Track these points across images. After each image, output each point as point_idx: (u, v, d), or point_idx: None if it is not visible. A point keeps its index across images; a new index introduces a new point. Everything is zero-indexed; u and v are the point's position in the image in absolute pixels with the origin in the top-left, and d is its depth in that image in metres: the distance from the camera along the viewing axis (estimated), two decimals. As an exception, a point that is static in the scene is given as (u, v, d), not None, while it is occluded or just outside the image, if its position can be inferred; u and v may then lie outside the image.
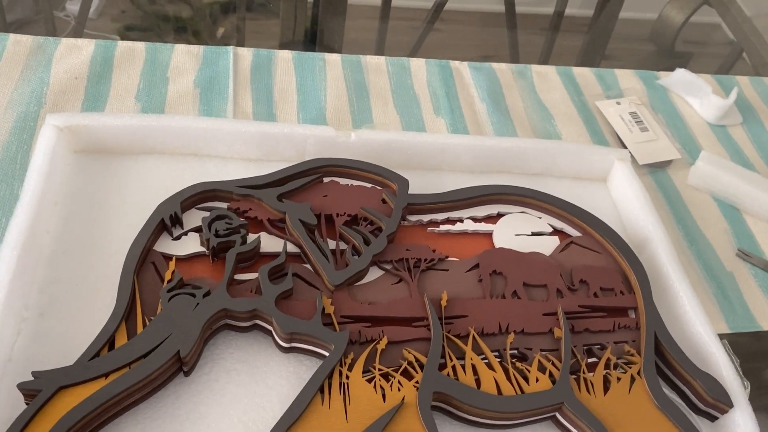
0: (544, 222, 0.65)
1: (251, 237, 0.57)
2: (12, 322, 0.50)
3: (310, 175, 0.62)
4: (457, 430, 0.52)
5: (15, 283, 0.51)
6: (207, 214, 0.57)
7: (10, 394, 0.46)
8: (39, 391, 0.45)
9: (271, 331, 0.54)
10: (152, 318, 0.51)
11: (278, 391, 0.51)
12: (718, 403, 0.54)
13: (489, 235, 0.64)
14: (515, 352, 0.55)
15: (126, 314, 0.50)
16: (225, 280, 0.53)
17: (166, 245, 0.56)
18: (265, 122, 0.65)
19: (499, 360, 0.54)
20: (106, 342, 0.48)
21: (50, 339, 0.51)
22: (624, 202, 0.70)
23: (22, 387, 0.45)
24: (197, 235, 0.57)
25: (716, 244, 0.72)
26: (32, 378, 0.46)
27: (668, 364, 0.57)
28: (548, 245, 0.63)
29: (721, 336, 0.63)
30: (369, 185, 0.63)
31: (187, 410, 0.50)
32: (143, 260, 0.54)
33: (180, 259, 0.55)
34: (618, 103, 0.84)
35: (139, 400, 0.49)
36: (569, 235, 0.65)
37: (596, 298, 0.59)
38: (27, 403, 0.45)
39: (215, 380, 0.52)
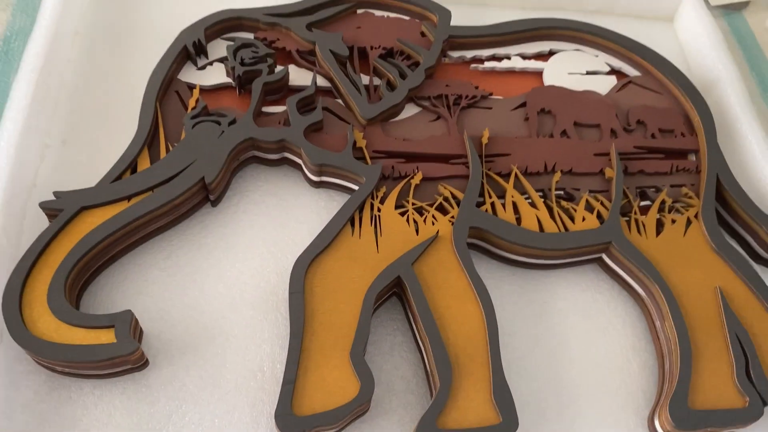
0: (601, 60, 0.59)
1: (280, 69, 0.53)
2: (34, 146, 0.48)
3: (343, 3, 0.57)
4: (494, 270, 0.50)
5: (35, 107, 0.49)
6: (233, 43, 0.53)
7: (36, 219, 0.46)
8: (61, 210, 0.44)
9: (300, 165, 0.51)
10: (176, 145, 0.48)
11: (308, 224, 0.49)
12: (783, 249, 0.50)
13: (539, 73, 0.58)
14: (561, 192, 0.51)
15: (149, 140, 0.48)
16: (251, 108, 0.50)
17: (190, 75, 0.53)
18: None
19: (543, 199, 0.50)
20: (129, 166, 0.46)
21: (73, 166, 0.49)
22: (692, 43, 0.63)
23: (44, 206, 0.44)
24: (223, 66, 0.53)
25: (794, 92, 0.65)
26: (54, 198, 0.44)
27: (730, 209, 0.52)
28: (605, 85, 0.58)
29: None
30: (407, 17, 0.58)
31: (214, 239, 0.48)
32: (166, 88, 0.51)
33: (205, 90, 0.52)
34: (692, -60, 0.74)
35: (163, 227, 0.47)
36: (628, 75, 0.59)
37: (654, 139, 0.54)
38: (51, 224, 0.44)
39: (243, 212, 0.50)
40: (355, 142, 0.50)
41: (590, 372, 0.46)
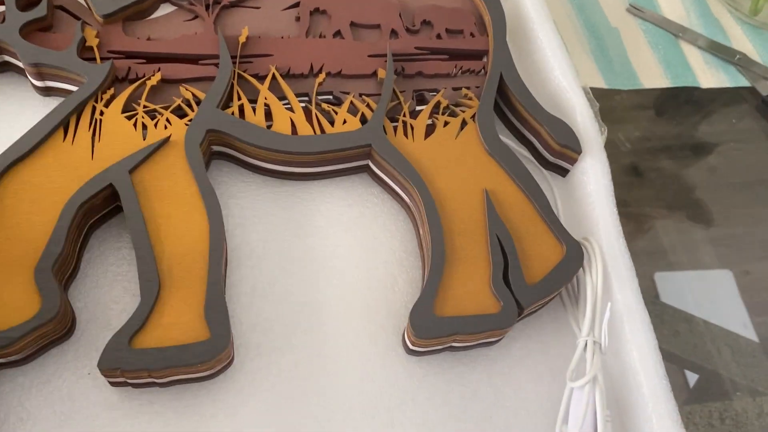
0: (394, -39, 0.54)
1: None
2: None
3: None
4: (250, 183, 0.44)
5: None
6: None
7: None
8: None
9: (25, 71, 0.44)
10: None
11: (30, 135, 0.43)
12: (565, 150, 0.46)
13: (323, -26, 0.53)
14: (330, 96, 0.46)
15: None
16: (-44, 5, 0.43)
17: None
18: None
19: (304, 104, 0.45)
20: None
21: None
22: (500, -54, 0.58)
23: None
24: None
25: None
26: None
27: (515, 111, 0.48)
28: (394, -13, 0.53)
29: (596, 91, 0.54)
30: None
31: None
32: None
33: None
34: None
35: None
36: (422, -23, 0.54)
37: (439, 39, 0.49)
38: None
39: (-50, 124, 0.43)
40: (84, 41, 0.44)
41: (349, 291, 0.42)
